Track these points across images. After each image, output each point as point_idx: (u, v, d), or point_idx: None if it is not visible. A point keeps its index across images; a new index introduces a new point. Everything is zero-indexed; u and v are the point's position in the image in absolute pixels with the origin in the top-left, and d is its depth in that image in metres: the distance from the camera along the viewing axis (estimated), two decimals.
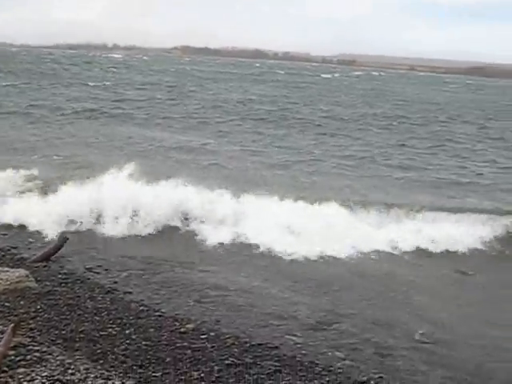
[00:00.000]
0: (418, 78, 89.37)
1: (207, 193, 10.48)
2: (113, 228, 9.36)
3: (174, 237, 9.61)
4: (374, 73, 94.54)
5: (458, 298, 7.93)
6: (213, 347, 5.71)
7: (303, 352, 5.78)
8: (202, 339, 5.87)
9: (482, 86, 75.79)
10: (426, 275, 8.81)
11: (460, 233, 10.00)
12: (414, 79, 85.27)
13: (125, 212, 9.66)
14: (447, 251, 9.79)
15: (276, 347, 5.82)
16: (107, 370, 5.03)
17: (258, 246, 9.16)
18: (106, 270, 7.69)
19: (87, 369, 4.92)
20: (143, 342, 5.69)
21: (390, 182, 14.84)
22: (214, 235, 9.38)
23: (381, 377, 5.49)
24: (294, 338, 6.09)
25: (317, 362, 5.59)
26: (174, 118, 23.63)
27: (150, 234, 9.62)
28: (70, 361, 5.03)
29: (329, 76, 73.42)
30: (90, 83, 36.03)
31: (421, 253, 9.68)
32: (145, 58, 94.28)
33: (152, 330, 6.00)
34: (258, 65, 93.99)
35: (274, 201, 10.51)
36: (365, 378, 5.42)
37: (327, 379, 5.32)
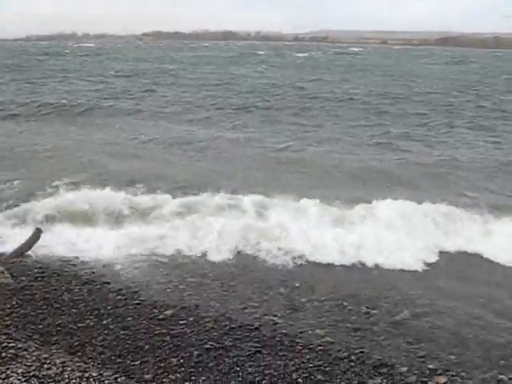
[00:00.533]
0: (397, 52, 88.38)
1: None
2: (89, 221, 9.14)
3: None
4: (353, 49, 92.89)
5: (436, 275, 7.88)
6: (192, 332, 5.68)
7: (283, 331, 5.76)
8: (181, 325, 5.83)
9: (461, 57, 75.42)
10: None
11: None
12: (393, 53, 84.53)
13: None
14: None
15: (256, 328, 5.80)
16: (85, 362, 4.99)
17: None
18: (83, 261, 7.58)
19: (63, 362, 4.87)
20: (121, 332, 5.64)
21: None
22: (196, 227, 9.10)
23: (362, 351, 5.50)
24: (274, 318, 6.06)
25: (297, 340, 5.58)
26: (168, 107, 22.85)
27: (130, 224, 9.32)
28: (46, 355, 4.96)
29: (305, 54, 72.72)
30: (68, 75, 35.38)
31: None
32: (119, 45, 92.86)
33: (130, 318, 5.94)
34: (235, 46, 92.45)
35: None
36: (346, 354, 5.42)
37: (308, 357, 5.31)
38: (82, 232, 8.47)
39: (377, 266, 7.89)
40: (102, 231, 8.56)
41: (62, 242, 8.08)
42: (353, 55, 74.74)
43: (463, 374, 5.28)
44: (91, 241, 8.19)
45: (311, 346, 5.49)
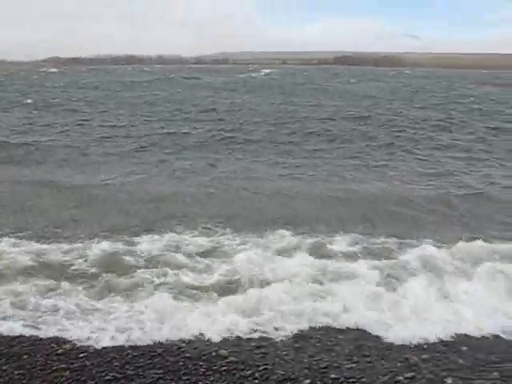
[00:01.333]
0: (300, 72, 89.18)
1: None
2: None
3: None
4: (265, 70, 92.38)
5: None
6: (92, 364, 5.50)
7: (187, 355, 5.71)
8: (81, 358, 5.62)
9: (362, 75, 78.33)
10: None
11: None
12: (300, 73, 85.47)
13: None
14: None
15: (159, 354, 5.71)
16: None
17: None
18: None
19: None
20: (16, 372, 5.36)
21: None
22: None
23: (266, 368, 5.55)
24: (177, 343, 5.98)
25: (200, 363, 5.55)
26: (92, 139, 20.69)
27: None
28: None
29: (212, 78, 70.84)
30: None
31: None
32: (22, 73, 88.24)
33: (26, 356, 5.65)
34: (142, 72, 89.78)
35: None
36: (250, 372, 5.45)
37: (211, 379, 5.31)
38: None
39: None
40: None
41: None
42: (264, 76, 74.77)
43: (364, 379, 5.46)
44: None
45: (215, 368, 5.48)
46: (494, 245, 8.98)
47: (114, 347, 5.87)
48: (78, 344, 5.89)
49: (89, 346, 5.86)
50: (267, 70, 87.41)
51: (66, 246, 8.94)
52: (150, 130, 23.00)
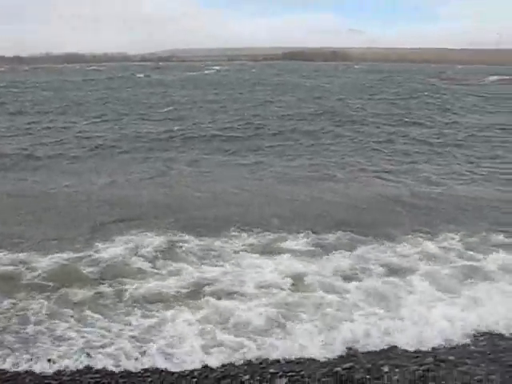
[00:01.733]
0: (250, 68, 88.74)
1: None
2: None
3: None
4: (215, 67, 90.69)
5: None
6: (26, 372, 5.45)
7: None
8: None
9: (316, 70, 78.67)
10: None
11: None
12: (249, 69, 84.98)
13: None
14: None
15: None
16: None
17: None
18: None
19: None
20: None
21: None
22: None
23: (205, 366, 5.58)
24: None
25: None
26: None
27: None
28: None
29: (158, 76, 70.18)
30: None
31: None
32: None
33: None
34: (89, 69, 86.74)
35: None
36: (188, 371, 5.45)
37: (149, 380, 5.36)
38: None
39: None
40: None
41: None
42: (215, 73, 73.72)
43: (303, 372, 5.53)
44: None
45: (153, 368, 5.47)
46: (454, 241, 9.17)
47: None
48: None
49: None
50: (217, 67, 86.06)
51: (14, 257, 8.36)
52: (102, 132, 22.07)
